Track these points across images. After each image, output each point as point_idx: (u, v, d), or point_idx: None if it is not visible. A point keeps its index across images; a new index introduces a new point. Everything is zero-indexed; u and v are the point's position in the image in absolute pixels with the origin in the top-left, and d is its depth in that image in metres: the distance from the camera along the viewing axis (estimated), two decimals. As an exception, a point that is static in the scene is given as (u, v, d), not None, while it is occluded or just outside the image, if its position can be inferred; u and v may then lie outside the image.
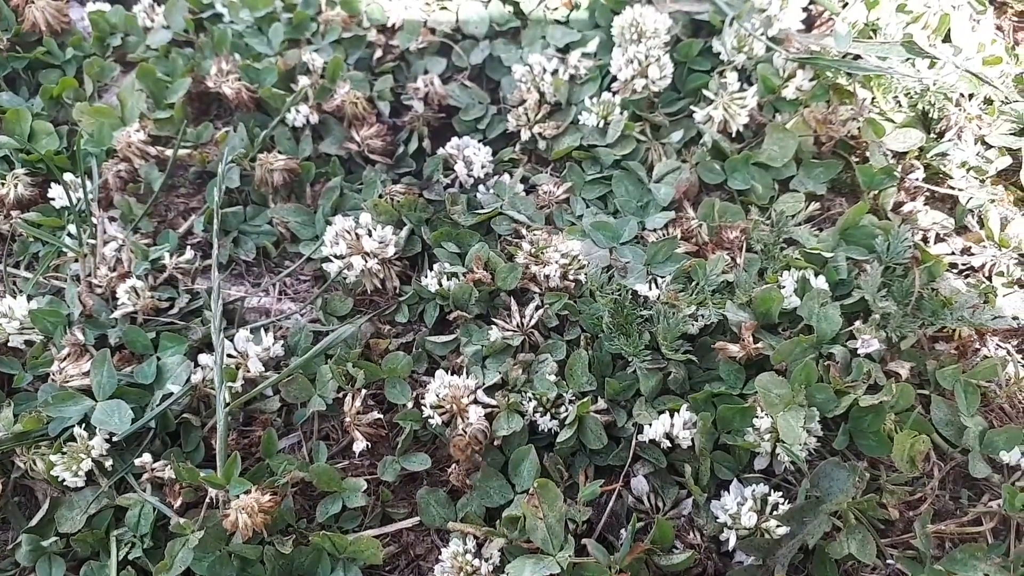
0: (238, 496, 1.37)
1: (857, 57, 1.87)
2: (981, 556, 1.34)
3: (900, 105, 1.89)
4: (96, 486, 1.51)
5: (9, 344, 1.68)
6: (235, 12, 2.18)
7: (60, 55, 2.16)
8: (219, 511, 1.43)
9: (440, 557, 1.41)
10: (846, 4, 2.01)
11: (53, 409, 1.55)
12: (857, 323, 1.51)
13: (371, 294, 1.76)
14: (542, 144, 1.92)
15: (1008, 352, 1.62)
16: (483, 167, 1.87)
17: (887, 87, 1.87)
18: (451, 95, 2.00)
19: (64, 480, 1.48)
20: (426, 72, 2.04)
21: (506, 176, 1.89)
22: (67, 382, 1.59)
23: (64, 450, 1.50)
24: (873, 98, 1.88)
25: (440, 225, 1.79)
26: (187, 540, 1.38)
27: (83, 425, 1.54)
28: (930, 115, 1.87)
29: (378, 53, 2.10)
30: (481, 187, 1.87)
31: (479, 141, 1.92)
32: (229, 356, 1.60)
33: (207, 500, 1.46)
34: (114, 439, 1.53)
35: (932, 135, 1.86)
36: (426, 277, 1.70)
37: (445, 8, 2.14)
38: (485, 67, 2.08)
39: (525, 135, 1.92)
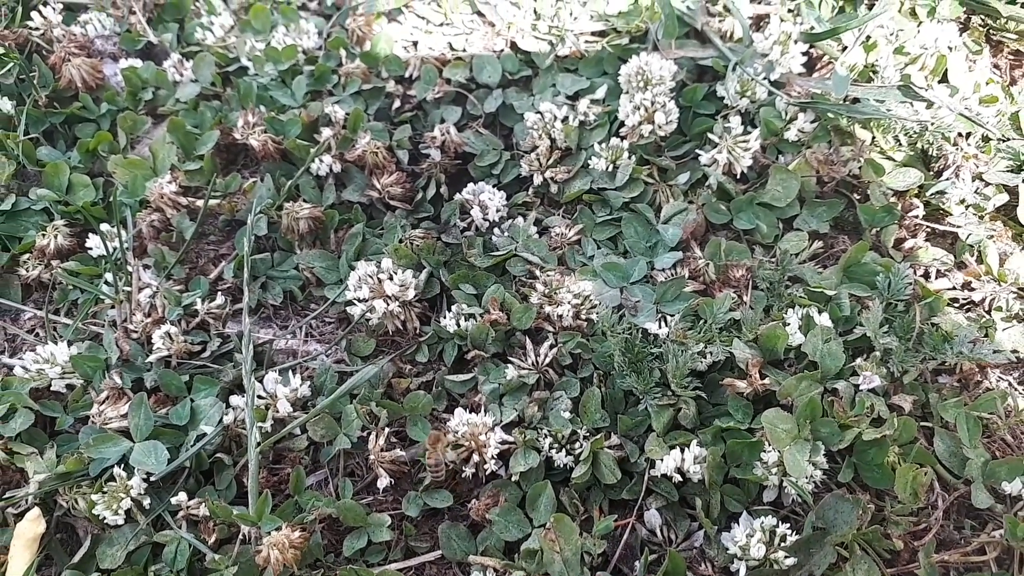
0: (269, 533, 1.44)
1: (856, 100, 1.95)
2: (984, 585, 1.39)
3: (900, 144, 1.95)
4: (135, 524, 1.59)
5: (52, 388, 1.77)
6: (260, 66, 2.29)
7: (95, 110, 2.28)
8: (251, 547, 1.50)
9: (462, 589, 1.47)
10: (845, 48, 2.09)
11: (93, 450, 1.63)
12: (859, 360, 1.57)
13: (393, 335, 1.84)
14: (554, 188, 2.00)
15: (1010, 384, 1.67)
16: (498, 211, 1.95)
17: (886, 127, 1.94)
18: (467, 142, 2.08)
19: (105, 518, 1.55)
20: (442, 121, 2.13)
21: (520, 219, 1.97)
22: (106, 424, 1.68)
23: (104, 490, 1.58)
24: (873, 138, 1.95)
25: (457, 268, 1.87)
26: (222, 575, 1.45)
27: (122, 465, 1.62)
28: (929, 153, 1.93)
29: (396, 103, 2.20)
30: (496, 230, 1.95)
31: (494, 186, 2.01)
32: (259, 397, 1.68)
33: (240, 536, 1.53)
34: (151, 479, 1.61)
35: (931, 173, 1.92)
36: (445, 318, 1.78)
37: (460, 59, 2.24)
38: (499, 115, 2.17)
39: (538, 180, 2.00)
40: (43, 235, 2.00)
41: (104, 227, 2.00)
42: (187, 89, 2.29)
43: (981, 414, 1.57)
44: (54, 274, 1.96)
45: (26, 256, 2.01)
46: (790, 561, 1.39)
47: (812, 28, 2.07)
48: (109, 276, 1.92)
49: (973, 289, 1.76)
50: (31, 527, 1.57)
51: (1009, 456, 1.55)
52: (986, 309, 1.74)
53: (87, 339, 1.86)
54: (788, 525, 1.44)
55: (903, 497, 1.44)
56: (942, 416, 1.57)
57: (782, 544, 1.42)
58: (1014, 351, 1.66)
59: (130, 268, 1.93)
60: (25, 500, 1.62)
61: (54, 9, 2.45)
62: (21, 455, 1.65)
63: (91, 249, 1.99)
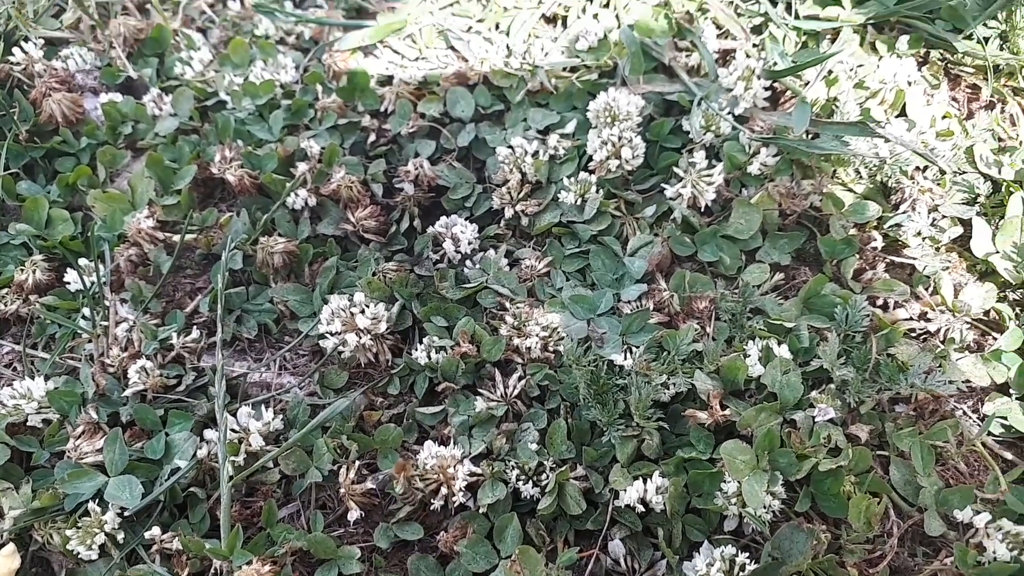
0: (241, 567, 1.47)
1: (817, 135, 2.00)
2: (936, 611, 1.43)
3: (860, 176, 2.01)
4: (109, 558, 1.61)
5: (28, 423, 1.79)
6: (238, 100, 2.33)
7: (75, 144, 2.31)
8: (223, 581, 1.53)
9: (430, 620, 1.50)
10: (807, 83, 2.15)
11: (69, 486, 1.65)
12: (814, 392, 1.61)
13: (365, 367, 1.87)
14: (524, 221, 2.04)
15: (963, 413, 1.71)
16: (470, 243, 2.00)
17: (846, 161, 1.99)
18: (440, 175, 2.13)
19: (79, 553, 1.58)
20: (416, 155, 2.18)
21: (491, 251, 2.01)
22: (82, 459, 1.70)
23: (79, 524, 1.60)
24: (834, 172, 2.01)
25: (429, 300, 1.91)
26: (193, 610, 1.48)
27: (97, 500, 1.64)
28: (888, 186, 1.99)
29: (372, 137, 2.24)
30: (468, 262, 2.00)
31: (466, 219, 2.05)
32: (232, 431, 1.71)
33: (212, 570, 1.56)
34: (125, 513, 1.63)
35: (890, 205, 1.98)
36: (416, 350, 1.81)
37: (434, 93, 2.29)
38: (471, 148, 2.21)
39: (509, 212, 2.05)
40: (21, 270, 2.03)
41: (82, 261, 2.03)
42: (166, 123, 2.33)
43: (935, 443, 1.62)
44: (32, 309, 1.99)
45: (4, 291, 2.04)
46: (748, 590, 1.43)
47: (775, 64, 2.13)
48: (86, 311, 1.95)
49: (929, 320, 1.81)
50: (7, 562, 1.59)
51: (962, 484, 1.60)
52: (941, 340, 1.79)
53: (64, 373, 1.89)
54: (748, 554, 1.47)
55: (857, 526, 1.49)
56: (897, 445, 1.62)
57: (741, 573, 1.46)
58: (966, 381, 1.71)
59: (107, 302, 1.97)
60: (0, 535, 1.64)
61: (35, 44, 2.49)
62: (-3, 490, 1.68)
63: (69, 284, 2.02)
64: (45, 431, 1.79)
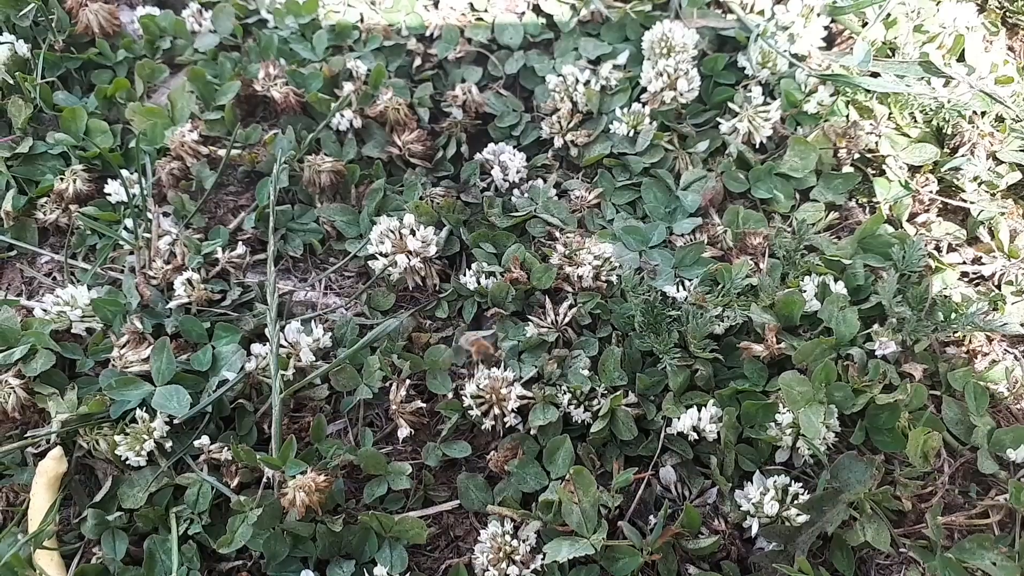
0: (294, 476, 1.47)
1: (875, 75, 1.97)
2: (988, 546, 1.43)
3: (916, 121, 1.98)
4: (155, 466, 1.60)
5: (72, 331, 1.77)
6: (280, 18, 2.27)
7: (112, 57, 2.26)
8: (274, 491, 1.53)
9: (479, 538, 1.50)
10: (866, 23, 2.11)
11: (116, 393, 1.64)
12: (874, 326, 1.60)
13: (412, 291, 1.85)
14: (574, 151, 2.01)
15: (1016, 357, 1.71)
16: (518, 172, 1.96)
17: (903, 104, 1.96)
18: (487, 103, 2.09)
19: (127, 459, 1.57)
20: (463, 80, 2.14)
21: (539, 181, 1.98)
22: (127, 368, 1.68)
23: (127, 431, 1.59)
24: (890, 114, 1.98)
25: (478, 227, 1.88)
26: (246, 517, 1.48)
27: (143, 408, 1.63)
28: (944, 131, 1.96)
29: (417, 61, 2.20)
30: (516, 191, 1.97)
31: (514, 147, 2.01)
32: (281, 346, 1.70)
33: (263, 481, 1.56)
34: (174, 422, 1.62)
35: (946, 150, 1.95)
36: (464, 275, 1.79)
37: (481, 19, 2.24)
38: (519, 77, 2.17)
39: (558, 142, 2.02)
40: (61, 179, 1.99)
41: (123, 173, 1.99)
42: (206, 39, 2.27)
43: (988, 384, 1.62)
44: (72, 218, 1.96)
45: (43, 200, 2.01)
46: (802, 518, 1.43)
47: (835, 2, 2.08)
48: (128, 222, 1.91)
49: (984, 264, 1.80)
50: (54, 466, 1.59)
51: (1014, 425, 1.60)
52: (996, 284, 1.78)
53: (105, 284, 1.87)
54: (800, 484, 1.48)
55: (913, 460, 1.49)
56: (951, 385, 1.61)
57: (795, 502, 1.46)
58: (1022, 324, 1.70)
59: (150, 215, 1.93)
60: (46, 440, 1.63)
61: (70, -47, 2.42)
62: (42, 395, 1.67)
63: (109, 195, 1.98)
64: (89, 340, 1.77)
